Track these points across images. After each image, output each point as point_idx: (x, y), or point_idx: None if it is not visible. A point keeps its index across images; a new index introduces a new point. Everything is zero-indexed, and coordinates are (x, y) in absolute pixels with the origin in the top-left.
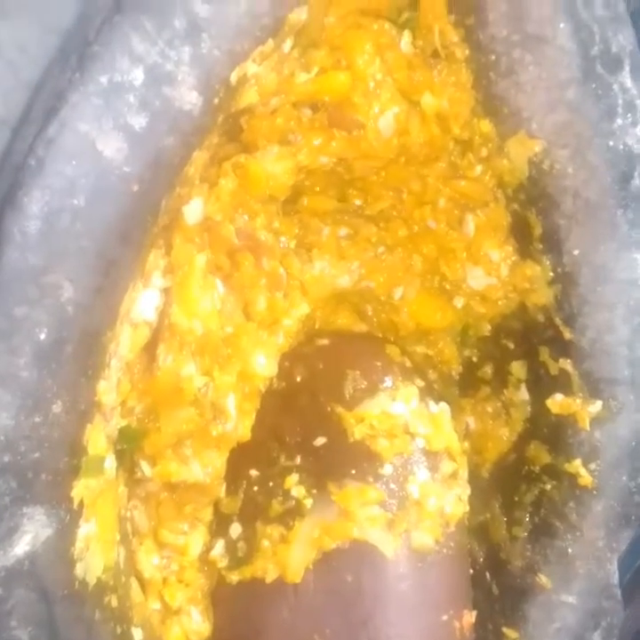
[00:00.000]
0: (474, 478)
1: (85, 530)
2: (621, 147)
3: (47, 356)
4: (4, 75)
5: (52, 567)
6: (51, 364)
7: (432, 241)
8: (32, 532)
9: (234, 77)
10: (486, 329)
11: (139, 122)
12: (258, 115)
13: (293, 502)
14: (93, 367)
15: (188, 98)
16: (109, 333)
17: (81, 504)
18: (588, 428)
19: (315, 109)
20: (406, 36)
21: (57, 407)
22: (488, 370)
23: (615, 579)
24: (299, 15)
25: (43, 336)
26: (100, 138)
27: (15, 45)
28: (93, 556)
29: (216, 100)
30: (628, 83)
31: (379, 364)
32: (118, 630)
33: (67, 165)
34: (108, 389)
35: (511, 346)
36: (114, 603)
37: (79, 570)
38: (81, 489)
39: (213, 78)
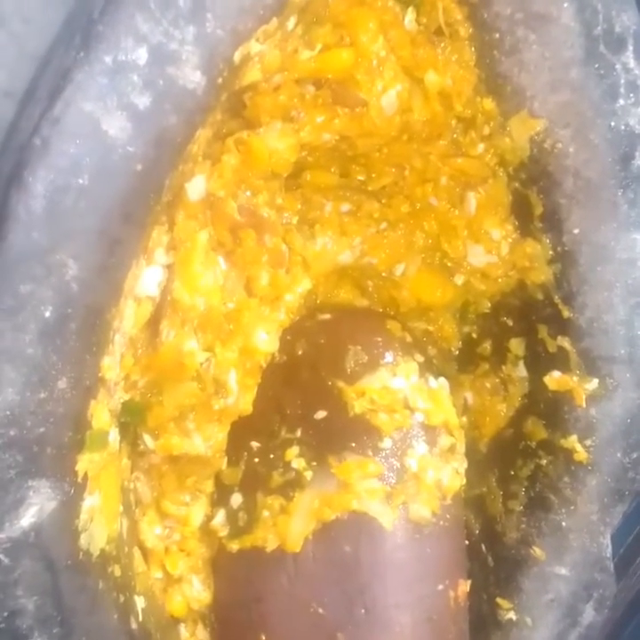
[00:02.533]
0: (471, 452)
1: (89, 502)
2: (623, 127)
3: (52, 333)
4: (9, 46)
5: (57, 538)
6: (56, 341)
7: (434, 218)
8: (37, 505)
9: (237, 56)
10: (486, 306)
11: (142, 101)
12: (261, 91)
13: (294, 474)
14: (97, 343)
15: (192, 77)
16: (113, 310)
17: (85, 477)
18: (584, 405)
19: (318, 86)
20: (410, 14)
21: (62, 383)
22: (487, 346)
23: (608, 552)
24: None
25: (48, 313)
26: (104, 117)
27: (20, 17)
28: (97, 527)
29: (219, 80)
30: (631, 63)
31: (379, 339)
32: (121, 599)
33: (71, 145)
34: (111, 365)
35: (510, 323)
36: (117, 572)
37: (83, 541)
38: (85, 463)
39: (217, 57)
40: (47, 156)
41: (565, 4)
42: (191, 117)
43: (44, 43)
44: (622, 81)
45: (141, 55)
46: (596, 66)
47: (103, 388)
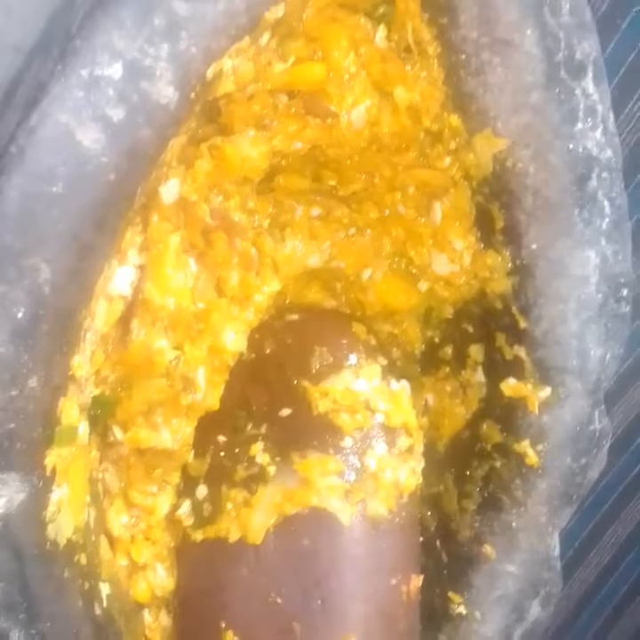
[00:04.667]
0: (430, 452)
1: (57, 494)
2: (581, 149)
3: (24, 334)
4: None
5: (25, 529)
6: (27, 341)
7: (401, 225)
8: (7, 497)
9: (210, 73)
10: (448, 312)
11: (117, 114)
12: (235, 100)
13: (257, 468)
14: (68, 343)
15: (166, 92)
16: (84, 311)
17: (53, 471)
18: (536, 412)
19: (291, 96)
20: (381, 31)
21: (33, 382)
22: (448, 351)
23: (556, 552)
24: (275, 13)
25: (20, 314)
26: (79, 129)
27: (1, 7)
28: (64, 518)
29: (192, 94)
30: (590, 88)
31: (345, 341)
32: (86, 586)
33: (46, 154)
34: (82, 362)
35: (471, 330)
36: (83, 560)
37: (50, 531)
38: (53, 457)
39: (190, 74)
40: (23, 164)
41: (528, 31)
42: (164, 130)
43: (26, 34)
44: (581, 106)
45: (117, 70)
46: (557, 91)
47: (73, 384)
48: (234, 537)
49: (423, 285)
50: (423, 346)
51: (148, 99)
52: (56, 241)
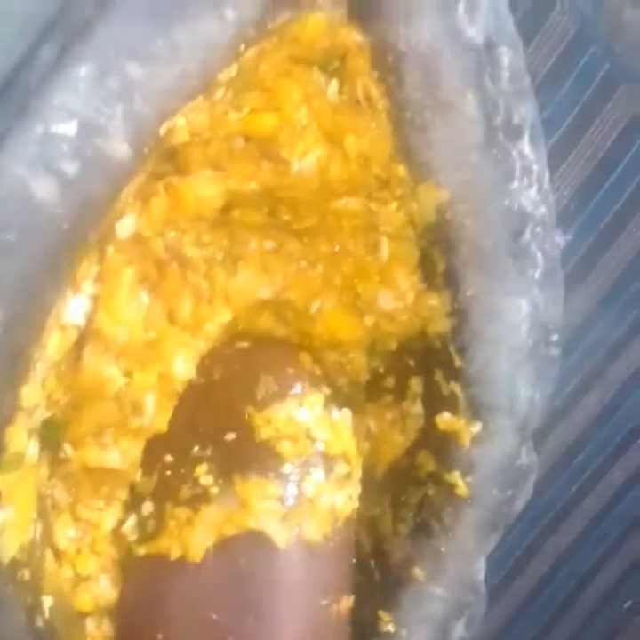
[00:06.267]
0: (370, 477)
1: (2, 516)
2: (516, 206)
3: None
4: None
5: None
6: None
7: (350, 261)
8: None
9: (163, 130)
10: (392, 345)
11: (71, 168)
12: (191, 143)
13: (201, 489)
14: (17, 377)
15: (120, 148)
16: (34, 346)
17: None
18: (467, 445)
19: (247, 139)
20: (334, 85)
21: None
22: (391, 381)
23: (481, 576)
24: (228, 74)
25: None
26: (33, 181)
27: None
28: (8, 538)
29: (146, 149)
30: (527, 150)
31: (291, 370)
32: (29, 600)
33: (1, 204)
34: (31, 392)
35: (412, 363)
36: (26, 576)
37: None
38: None
39: (144, 132)
40: None
41: (469, 96)
42: (117, 182)
43: None
44: (518, 165)
45: (71, 127)
46: (495, 151)
47: (21, 412)
48: (175, 554)
49: (369, 320)
50: (368, 375)
51: (102, 154)
52: (7, 285)
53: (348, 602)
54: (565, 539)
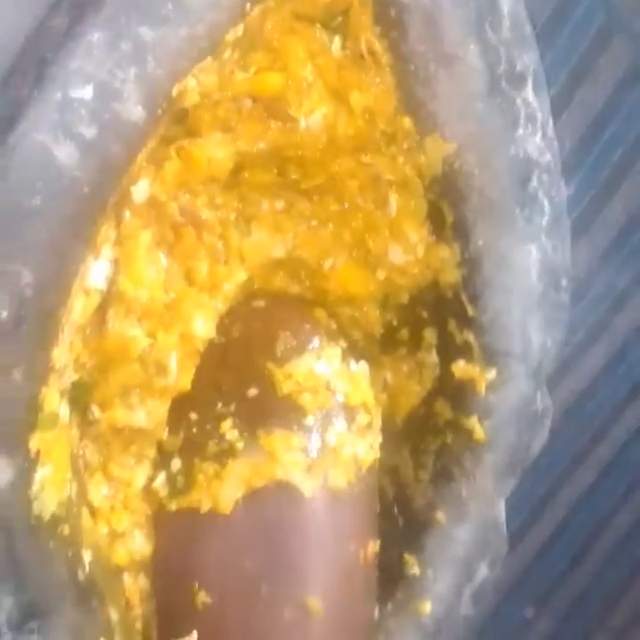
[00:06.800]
0: (389, 426)
1: (41, 474)
2: (522, 154)
3: (8, 332)
4: None
5: (12, 506)
6: (11, 338)
7: (360, 218)
8: None
9: (175, 91)
10: (405, 298)
11: (89, 132)
12: (201, 105)
13: (227, 444)
14: (48, 339)
15: (134, 111)
16: (62, 309)
17: (38, 453)
18: (483, 392)
19: (255, 100)
20: (337, 41)
21: (16, 374)
22: (405, 333)
23: (502, 517)
24: (235, 34)
25: (4, 314)
26: (54, 146)
27: None
28: (48, 494)
29: (159, 111)
30: (530, 97)
31: (307, 326)
32: (70, 554)
33: (25, 170)
34: (61, 354)
35: (425, 315)
36: (66, 531)
37: (36, 507)
38: (37, 441)
39: (156, 93)
40: (5, 180)
41: (471, 46)
42: (133, 144)
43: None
44: (522, 113)
45: (88, 92)
46: (499, 100)
47: (53, 373)
48: (205, 507)
49: (381, 274)
50: (382, 328)
51: (119, 117)
52: (36, 249)
53: (374, 546)
54: (579, 487)
